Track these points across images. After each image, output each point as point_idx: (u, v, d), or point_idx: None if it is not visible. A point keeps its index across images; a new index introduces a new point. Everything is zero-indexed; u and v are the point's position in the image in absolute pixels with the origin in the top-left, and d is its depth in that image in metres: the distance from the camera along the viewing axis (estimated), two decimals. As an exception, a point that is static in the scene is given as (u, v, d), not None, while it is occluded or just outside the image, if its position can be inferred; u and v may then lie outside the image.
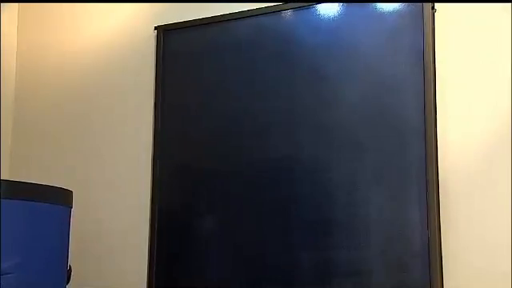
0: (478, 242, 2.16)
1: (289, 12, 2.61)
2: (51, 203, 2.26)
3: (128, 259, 2.80)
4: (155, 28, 2.86)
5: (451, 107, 2.28)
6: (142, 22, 2.94)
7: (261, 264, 2.53)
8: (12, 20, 3.31)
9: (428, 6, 2.30)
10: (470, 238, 2.17)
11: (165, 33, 2.85)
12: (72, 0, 3.15)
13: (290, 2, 2.54)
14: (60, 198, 2.32)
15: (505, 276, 2.08)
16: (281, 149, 2.55)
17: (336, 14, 2.53)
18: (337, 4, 2.50)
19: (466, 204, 2.20)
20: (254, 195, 2.57)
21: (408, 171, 2.30)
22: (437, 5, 2.34)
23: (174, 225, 2.73)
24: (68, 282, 2.34)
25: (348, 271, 2.35)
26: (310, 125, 2.51)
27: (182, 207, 2.75)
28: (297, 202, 2.48)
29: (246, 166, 2.61)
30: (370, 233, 2.34)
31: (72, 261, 2.35)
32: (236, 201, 2.60)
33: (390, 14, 2.41)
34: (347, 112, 2.45)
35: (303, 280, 2.43)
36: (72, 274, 2.36)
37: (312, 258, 2.43)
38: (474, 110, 2.25)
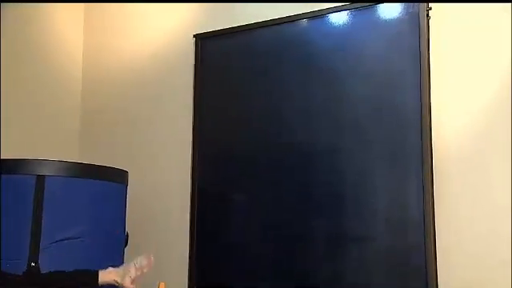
0: (465, 211, 2.35)
1: (305, 21, 2.73)
2: (111, 181, 2.46)
3: (172, 226, 2.99)
4: (194, 36, 3.02)
5: (444, 99, 2.42)
6: (183, 30, 3.09)
7: (285, 231, 2.67)
8: (78, 21, 3.46)
9: (424, 12, 2.43)
10: (458, 207, 2.36)
11: (202, 40, 2.99)
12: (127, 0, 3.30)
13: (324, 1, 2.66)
14: (118, 178, 2.52)
15: (487, 236, 2.29)
16: (300, 137, 2.69)
17: (345, 22, 2.65)
18: (345, 13, 2.62)
19: (455, 181, 2.39)
20: (278, 175, 2.71)
21: (407, 154, 2.43)
22: (432, 5, 2.44)
23: (209, 200, 2.89)
24: (126, 246, 2.55)
25: (356, 236, 2.51)
26: (324, 117, 2.64)
27: (217, 186, 2.91)
28: (314, 180, 2.63)
29: (271, 151, 2.75)
30: (374, 205, 2.49)
31: (128, 228, 2.58)
32: (262, 180, 2.75)
33: (391, 20, 2.55)
34: (355, 105, 2.58)
35: (318, 243, 2.61)
36: (129, 239, 2.57)
37: (325, 225, 2.59)
38: (464, 101, 2.40)
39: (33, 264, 2.17)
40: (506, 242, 2.25)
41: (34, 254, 2.18)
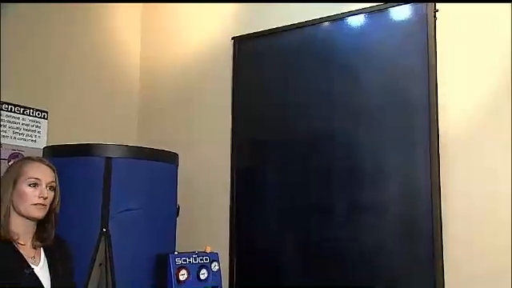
0: (467, 185, 2.53)
1: (327, 23, 2.93)
2: (165, 162, 2.68)
3: (215, 199, 3.24)
4: (232, 38, 3.24)
5: (449, 89, 2.58)
6: (224, 33, 3.32)
7: (310, 201, 2.89)
8: (136, 20, 3.68)
9: (431, 14, 2.61)
10: (462, 182, 2.53)
11: (239, 42, 3.21)
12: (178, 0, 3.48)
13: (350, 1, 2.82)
14: (170, 159, 2.74)
15: (486, 206, 2.47)
16: (324, 123, 2.87)
17: (362, 24, 2.84)
18: (362, 15, 2.82)
19: (458, 158, 2.55)
20: (305, 156, 2.91)
21: (416, 135, 2.61)
22: (439, 8, 2.59)
23: (246, 179, 3.13)
24: (177, 216, 2.78)
25: (371, 205, 2.71)
26: (344, 106, 2.83)
27: (253, 166, 3.14)
28: (335, 160, 2.83)
29: (299, 136, 2.94)
30: (387, 178, 2.68)
31: (179, 201, 2.81)
32: (291, 161, 2.96)
33: (402, 22, 2.73)
34: (371, 96, 2.76)
35: (338, 211, 2.82)
36: (180, 210, 2.80)
37: (345, 196, 2.79)
38: (466, 91, 2.56)
39: (104, 229, 2.43)
40: (504, 225, 2.43)
41: (104, 222, 2.44)
